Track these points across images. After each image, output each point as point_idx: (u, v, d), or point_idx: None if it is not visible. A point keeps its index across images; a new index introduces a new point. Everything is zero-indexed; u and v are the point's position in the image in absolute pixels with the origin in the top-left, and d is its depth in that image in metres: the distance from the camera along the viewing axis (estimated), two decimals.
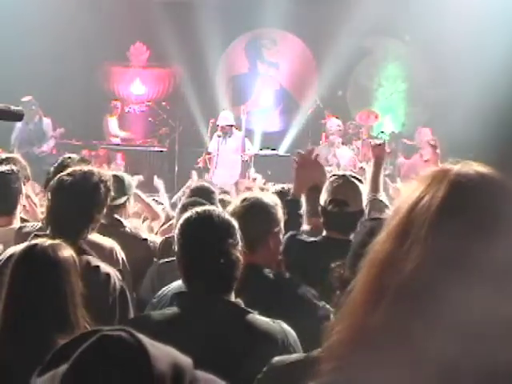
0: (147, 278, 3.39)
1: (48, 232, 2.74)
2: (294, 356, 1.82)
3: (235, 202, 2.80)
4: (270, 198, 2.82)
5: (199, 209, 2.26)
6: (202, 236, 2.20)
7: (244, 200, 2.74)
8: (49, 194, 2.80)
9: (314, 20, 12.21)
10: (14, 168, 3.59)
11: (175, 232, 2.28)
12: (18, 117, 2.46)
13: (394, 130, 11.95)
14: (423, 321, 1.01)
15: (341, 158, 10.06)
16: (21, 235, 3.29)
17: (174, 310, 2.22)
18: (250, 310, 2.22)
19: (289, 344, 2.18)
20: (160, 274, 3.34)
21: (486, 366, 0.96)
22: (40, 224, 3.36)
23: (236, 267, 2.18)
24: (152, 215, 4.93)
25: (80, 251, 2.68)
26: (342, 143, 10.41)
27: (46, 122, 10.68)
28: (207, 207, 2.33)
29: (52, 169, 3.43)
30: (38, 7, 10.76)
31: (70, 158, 3.57)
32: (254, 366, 1.85)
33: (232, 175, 9.70)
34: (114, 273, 2.71)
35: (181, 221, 2.26)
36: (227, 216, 2.26)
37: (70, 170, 2.89)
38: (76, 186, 2.77)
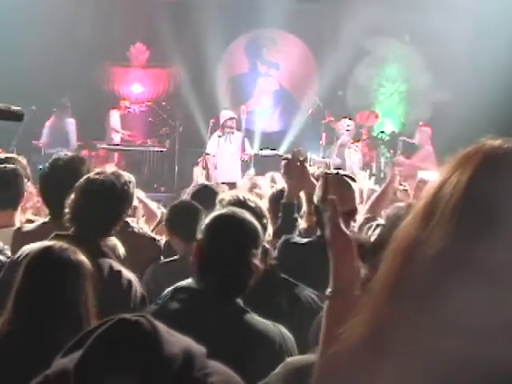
0: (143, 279, 3.38)
1: (71, 232, 2.74)
2: (311, 357, 1.81)
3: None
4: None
5: (234, 209, 2.30)
6: (232, 238, 2.21)
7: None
8: (76, 193, 2.78)
9: (314, 20, 12.22)
10: (19, 167, 3.64)
11: (203, 225, 2.27)
12: (18, 117, 2.45)
13: (394, 130, 11.96)
14: (435, 319, 0.96)
15: (347, 159, 10.06)
16: (20, 235, 3.29)
17: (176, 304, 2.24)
18: (249, 311, 2.23)
19: (286, 348, 2.19)
20: (156, 275, 3.34)
21: (496, 368, 0.92)
22: (39, 223, 3.35)
23: (254, 275, 2.21)
24: (149, 214, 4.90)
25: (102, 254, 2.68)
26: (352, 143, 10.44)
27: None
28: (240, 210, 2.32)
29: (47, 165, 3.42)
30: (38, 7, 10.77)
31: (65, 155, 3.55)
32: (249, 367, 1.86)
33: (233, 175, 9.72)
34: (135, 279, 2.70)
35: (213, 215, 2.26)
36: (256, 222, 2.27)
37: (97, 170, 2.91)
38: (107, 186, 2.77)
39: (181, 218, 3.50)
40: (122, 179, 2.85)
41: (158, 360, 1.12)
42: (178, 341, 1.18)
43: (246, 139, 10.27)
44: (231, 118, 9.86)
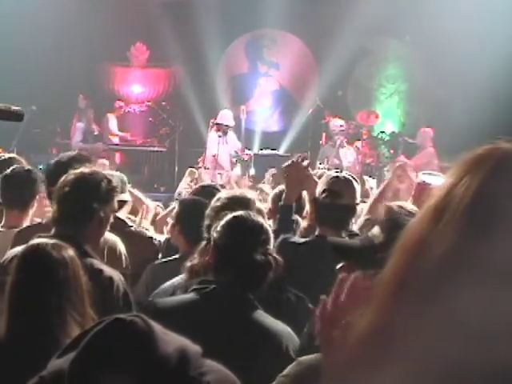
0: (142, 278, 3.38)
1: (52, 232, 2.73)
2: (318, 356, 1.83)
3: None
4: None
5: (249, 213, 2.47)
6: (247, 236, 2.38)
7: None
8: (54, 193, 2.78)
9: (314, 20, 12.21)
10: (35, 170, 3.66)
11: (219, 226, 2.40)
12: (18, 117, 2.45)
13: (394, 130, 11.96)
14: (440, 318, 0.95)
15: (343, 159, 10.05)
16: (20, 235, 3.29)
17: (194, 296, 2.34)
18: (260, 307, 2.32)
19: (293, 348, 2.26)
20: (155, 274, 3.33)
21: (500, 368, 0.92)
22: (43, 222, 3.35)
23: (271, 269, 2.36)
24: (143, 209, 4.88)
25: (83, 254, 2.67)
26: (347, 143, 10.42)
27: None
28: (253, 213, 2.49)
29: (52, 162, 3.43)
30: (39, 8, 10.76)
31: (66, 155, 3.55)
32: (255, 363, 1.88)
33: (228, 174, 9.78)
34: (117, 276, 2.69)
35: (229, 217, 2.41)
36: (265, 223, 2.48)
37: (75, 171, 2.88)
38: (78, 185, 2.76)
39: (188, 219, 3.48)
40: (95, 176, 2.81)
41: (153, 359, 1.12)
42: (173, 340, 1.18)
43: (235, 136, 10.31)
44: (227, 125, 9.92)
